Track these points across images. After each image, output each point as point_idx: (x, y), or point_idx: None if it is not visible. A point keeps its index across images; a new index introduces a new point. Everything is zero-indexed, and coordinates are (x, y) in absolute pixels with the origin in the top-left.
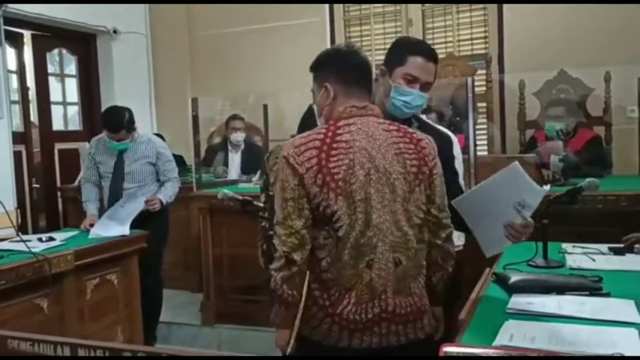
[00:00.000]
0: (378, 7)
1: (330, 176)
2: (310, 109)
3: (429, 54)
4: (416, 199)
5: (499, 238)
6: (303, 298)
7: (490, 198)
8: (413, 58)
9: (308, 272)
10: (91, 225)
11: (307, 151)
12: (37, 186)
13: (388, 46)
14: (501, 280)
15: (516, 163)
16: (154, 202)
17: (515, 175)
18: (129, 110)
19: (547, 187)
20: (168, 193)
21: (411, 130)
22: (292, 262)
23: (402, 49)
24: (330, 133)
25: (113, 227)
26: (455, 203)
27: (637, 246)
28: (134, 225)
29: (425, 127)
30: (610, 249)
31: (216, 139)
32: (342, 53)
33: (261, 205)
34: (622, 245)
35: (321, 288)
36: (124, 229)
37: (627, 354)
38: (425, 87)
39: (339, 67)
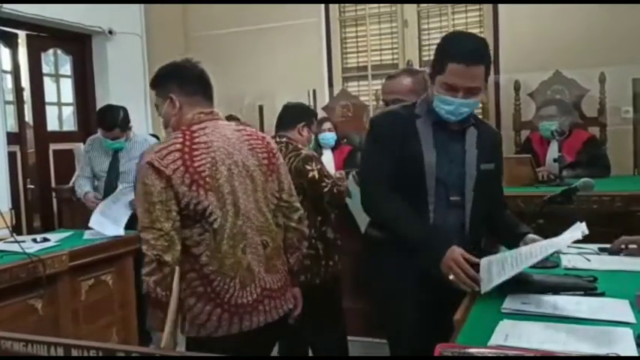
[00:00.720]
0: (373, 8)
1: (198, 174)
2: (286, 108)
3: (471, 58)
4: (271, 188)
5: None
6: (174, 302)
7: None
8: (452, 66)
9: (186, 272)
10: (96, 198)
11: (170, 155)
12: (32, 187)
13: (384, 47)
14: None
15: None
16: None
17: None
18: (124, 109)
19: (578, 235)
20: None
21: (254, 129)
22: (164, 263)
23: (443, 55)
24: (187, 137)
25: (108, 226)
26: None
27: (624, 247)
28: (129, 225)
29: (479, 123)
30: (600, 249)
31: None
32: (181, 67)
33: None
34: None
35: (204, 283)
36: (119, 230)
37: (622, 354)
38: (471, 91)
39: (181, 80)
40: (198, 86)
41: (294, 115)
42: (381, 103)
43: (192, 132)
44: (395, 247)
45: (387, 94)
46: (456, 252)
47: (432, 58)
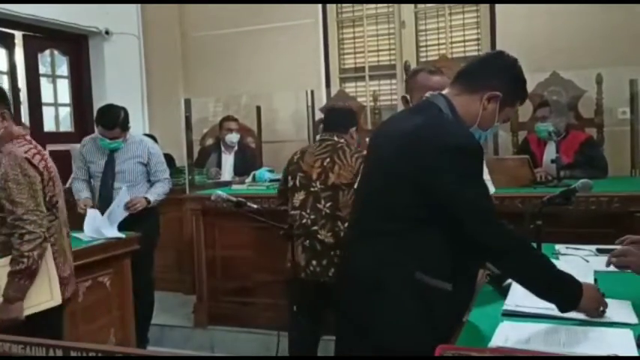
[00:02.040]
0: (370, 9)
1: (54, 174)
2: (335, 111)
3: None
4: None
5: None
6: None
7: None
8: (519, 102)
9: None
10: (85, 206)
11: (35, 156)
12: None
13: (381, 48)
14: (496, 282)
15: None
16: (135, 204)
17: None
18: (124, 110)
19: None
20: (157, 192)
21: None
22: (46, 240)
23: (519, 90)
24: (32, 144)
25: (105, 228)
26: None
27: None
28: (125, 227)
29: None
30: (599, 250)
31: (209, 141)
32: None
33: (254, 206)
34: (612, 247)
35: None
36: (114, 231)
37: (622, 355)
38: None
39: (1, 97)
40: (9, 105)
41: (347, 119)
42: (387, 100)
43: (29, 141)
44: (447, 295)
45: (433, 89)
46: (593, 286)
47: (429, 59)
